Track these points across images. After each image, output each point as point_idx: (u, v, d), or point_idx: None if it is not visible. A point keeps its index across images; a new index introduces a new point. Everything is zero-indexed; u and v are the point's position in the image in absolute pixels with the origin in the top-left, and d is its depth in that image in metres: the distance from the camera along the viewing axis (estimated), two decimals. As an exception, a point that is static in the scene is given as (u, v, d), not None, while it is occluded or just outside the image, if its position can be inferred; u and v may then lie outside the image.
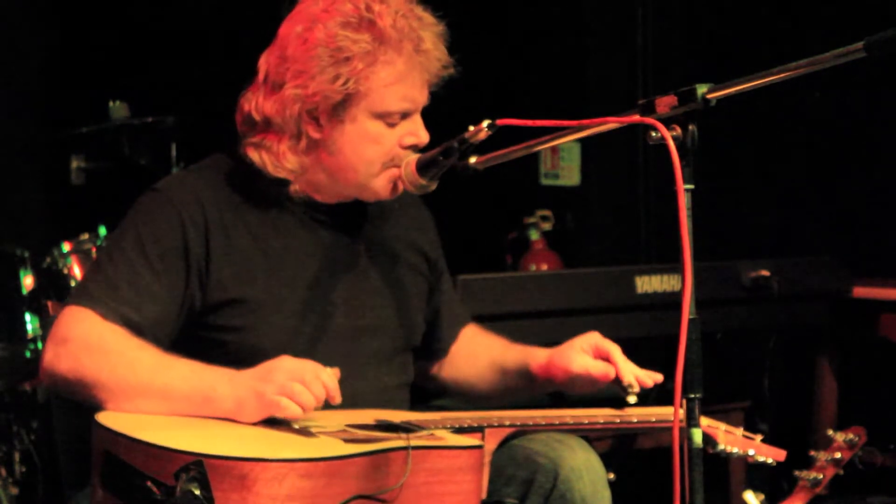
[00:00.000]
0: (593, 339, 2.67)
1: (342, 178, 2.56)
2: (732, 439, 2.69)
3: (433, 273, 2.80)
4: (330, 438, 2.30)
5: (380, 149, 2.54)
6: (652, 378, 2.64)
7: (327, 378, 2.33)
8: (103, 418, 2.29)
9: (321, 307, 2.59)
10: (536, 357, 2.72)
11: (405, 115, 2.54)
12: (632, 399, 2.60)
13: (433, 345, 2.82)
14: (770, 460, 2.73)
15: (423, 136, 2.57)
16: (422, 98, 2.55)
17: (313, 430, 2.33)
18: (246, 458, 2.14)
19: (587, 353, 2.65)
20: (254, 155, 2.55)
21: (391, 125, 2.53)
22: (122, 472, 2.19)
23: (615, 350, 2.64)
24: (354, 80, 2.47)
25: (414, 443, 2.32)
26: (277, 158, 2.54)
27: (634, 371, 2.63)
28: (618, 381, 2.62)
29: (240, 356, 2.47)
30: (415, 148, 2.57)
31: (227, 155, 2.62)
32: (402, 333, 2.70)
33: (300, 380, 2.31)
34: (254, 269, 2.54)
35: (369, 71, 2.48)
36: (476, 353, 2.85)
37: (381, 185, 2.57)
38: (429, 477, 2.33)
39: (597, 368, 2.63)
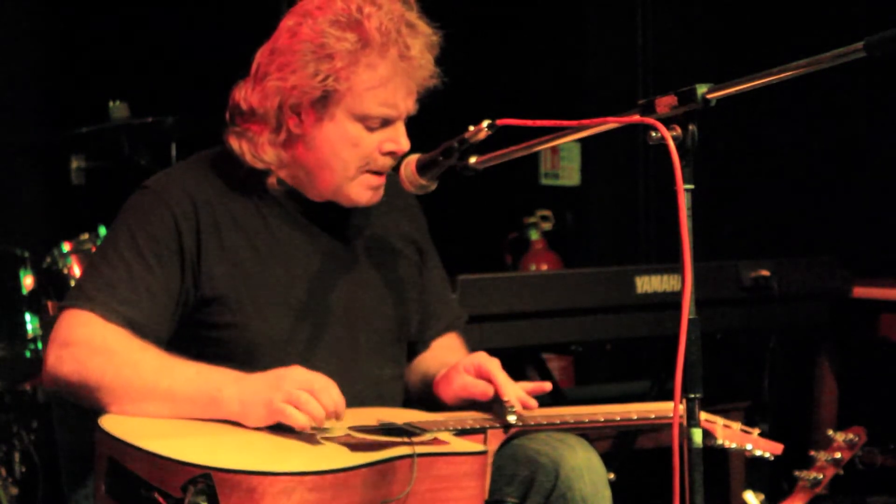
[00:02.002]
0: (477, 358, 2.62)
1: (319, 176, 2.56)
2: (730, 434, 2.69)
3: (423, 262, 2.80)
4: (335, 446, 2.29)
5: (357, 151, 2.53)
6: (540, 387, 2.57)
7: (336, 392, 2.33)
8: (107, 424, 2.28)
9: (315, 302, 2.59)
10: (438, 374, 2.67)
11: (386, 122, 2.54)
12: (511, 418, 2.51)
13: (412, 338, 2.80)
14: (767, 454, 2.73)
15: (404, 145, 2.56)
16: (405, 106, 2.54)
17: (317, 434, 2.32)
18: (254, 471, 2.13)
19: (469, 373, 2.60)
20: (234, 143, 2.56)
21: (371, 129, 2.53)
22: (128, 481, 2.18)
23: (496, 369, 2.58)
24: (334, 77, 2.47)
25: (419, 450, 2.32)
26: (256, 149, 2.55)
27: (517, 392, 2.56)
28: (497, 399, 2.55)
29: (235, 353, 2.48)
30: (394, 155, 2.56)
31: (218, 151, 2.63)
32: (395, 325, 2.69)
33: (310, 390, 2.31)
34: (246, 267, 2.54)
35: (349, 71, 2.47)
36: (425, 360, 2.80)
37: (357, 191, 2.57)
38: (434, 483, 2.33)
39: (476, 387, 2.58)
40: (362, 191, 2.57)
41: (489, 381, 2.58)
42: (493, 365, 2.60)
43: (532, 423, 2.58)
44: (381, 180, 2.58)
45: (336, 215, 2.64)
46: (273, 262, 2.57)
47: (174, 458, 2.14)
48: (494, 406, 2.57)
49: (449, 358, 2.74)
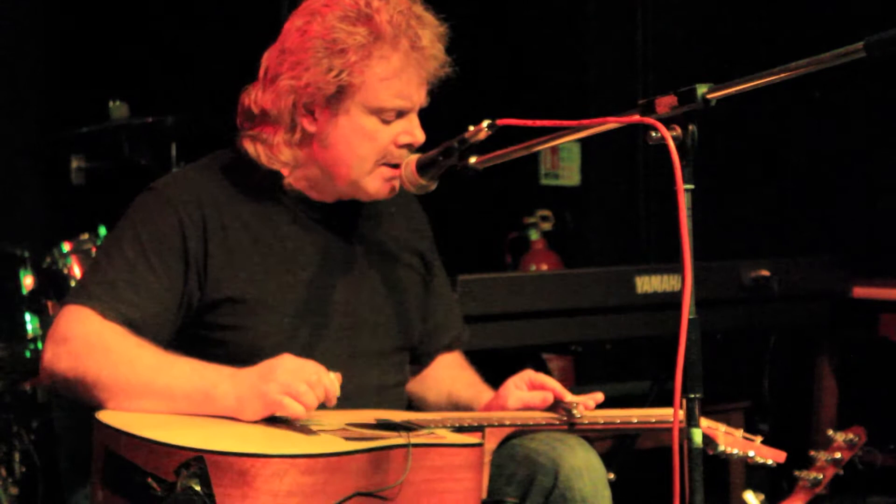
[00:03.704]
0: (526, 374, 2.69)
1: (335, 173, 2.57)
2: (732, 440, 2.69)
3: (429, 274, 2.80)
4: (331, 436, 2.30)
5: (373, 145, 2.54)
6: (593, 399, 2.65)
7: (328, 380, 2.34)
8: (104, 416, 2.29)
9: (319, 306, 2.59)
10: (482, 400, 2.75)
11: (401, 114, 2.54)
12: (577, 413, 2.61)
13: (416, 349, 2.82)
14: (770, 461, 2.72)
15: (419, 136, 2.57)
16: (418, 97, 2.55)
17: (314, 428, 2.33)
18: (246, 453, 2.14)
19: (521, 388, 2.67)
20: (249, 146, 2.57)
21: (386, 122, 2.54)
22: (123, 469, 2.19)
23: (549, 379, 2.67)
24: (348, 72, 2.48)
25: (414, 440, 2.33)
26: (271, 150, 2.55)
27: (573, 396, 2.65)
28: (559, 402, 2.64)
29: (238, 355, 2.48)
30: (410, 147, 2.57)
31: (227, 153, 2.63)
32: (399, 333, 2.70)
33: (304, 379, 2.31)
34: (252, 269, 2.54)
35: (363, 64, 2.48)
36: (443, 379, 2.85)
37: (374, 185, 2.58)
38: (429, 474, 2.33)
39: (534, 398, 2.66)
40: (380, 183, 2.58)
41: (544, 389, 2.65)
42: (545, 376, 2.67)
43: (531, 423, 2.58)
44: (396, 172, 2.58)
45: (345, 220, 2.65)
46: (278, 265, 2.57)
47: (167, 443, 2.15)
48: (556, 410, 2.64)
49: (463, 375, 2.82)
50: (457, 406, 2.79)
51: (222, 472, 2.12)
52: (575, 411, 2.61)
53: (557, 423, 2.61)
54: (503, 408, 2.66)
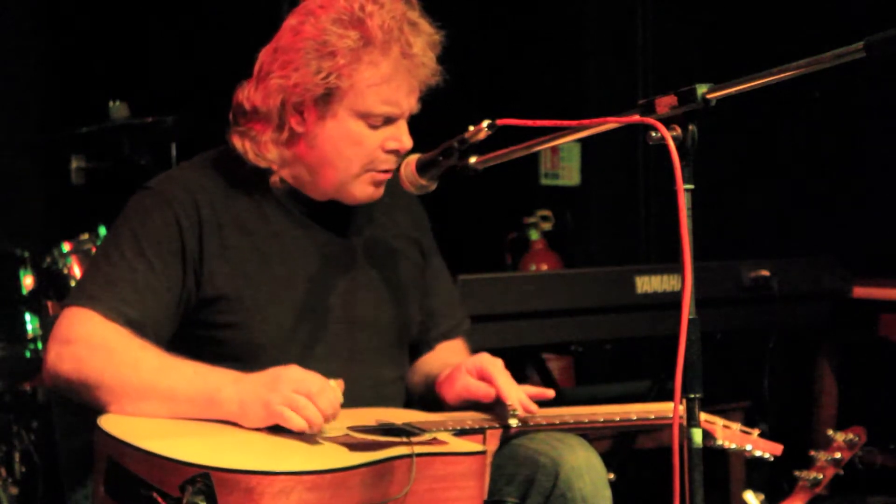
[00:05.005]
0: (479, 360, 2.63)
1: (321, 175, 2.57)
2: (730, 434, 2.70)
3: (425, 260, 2.80)
4: (334, 445, 2.29)
5: (359, 150, 2.54)
6: (543, 393, 2.61)
7: (332, 394, 2.33)
8: (106, 424, 2.28)
9: (317, 302, 2.59)
10: (443, 374, 2.68)
11: (389, 120, 2.54)
12: (513, 422, 2.54)
13: (415, 340, 2.80)
14: (767, 455, 2.73)
15: (406, 142, 2.57)
16: (407, 104, 2.55)
17: (316, 434, 2.32)
18: (253, 471, 2.13)
19: (471, 375, 2.61)
20: (237, 142, 2.57)
21: (373, 127, 2.54)
22: (127, 481, 2.18)
23: (498, 372, 2.59)
24: (336, 75, 2.48)
25: (418, 450, 2.31)
26: (259, 147, 2.56)
27: (519, 395, 2.58)
28: (500, 402, 2.57)
29: (236, 353, 2.48)
30: (396, 153, 2.57)
31: (221, 150, 2.63)
32: (397, 327, 2.70)
33: (307, 393, 2.31)
34: (248, 266, 2.54)
35: (352, 68, 2.48)
36: (429, 362, 2.82)
37: (359, 189, 2.58)
38: (433, 483, 2.33)
39: (479, 389, 2.59)
40: (365, 187, 2.58)
41: (490, 383, 2.58)
42: (495, 367, 2.60)
43: (531, 423, 2.58)
44: (383, 177, 2.58)
45: (338, 215, 2.65)
46: (275, 262, 2.57)
47: (173, 458, 2.14)
48: (496, 408, 2.58)
49: (452, 360, 2.74)
50: (426, 381, 2.74)
51: (229, 490, 2.11)
52: (511, 419, 2.53)
53: (557, 422, 2.60)
54: (451, 390, 2.62)
